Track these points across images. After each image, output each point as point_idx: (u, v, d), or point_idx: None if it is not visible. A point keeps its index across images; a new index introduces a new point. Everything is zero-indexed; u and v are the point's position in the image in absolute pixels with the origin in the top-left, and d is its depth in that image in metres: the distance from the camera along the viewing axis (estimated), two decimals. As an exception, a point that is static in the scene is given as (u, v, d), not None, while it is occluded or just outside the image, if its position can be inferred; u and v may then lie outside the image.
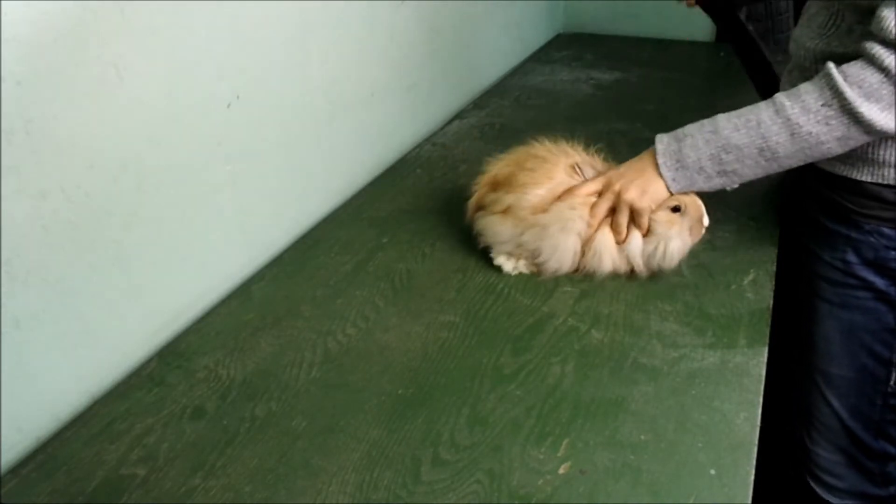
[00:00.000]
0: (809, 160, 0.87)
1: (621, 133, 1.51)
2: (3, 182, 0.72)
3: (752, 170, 0.89)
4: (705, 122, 0.91)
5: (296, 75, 1.13)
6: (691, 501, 0.69)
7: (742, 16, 1.21)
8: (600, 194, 0.96)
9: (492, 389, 0.83)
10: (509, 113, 1.69)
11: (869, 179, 0.91)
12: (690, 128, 0.92)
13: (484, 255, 1.09)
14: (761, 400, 0.81)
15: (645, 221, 0.94)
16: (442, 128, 1.61)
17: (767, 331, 0.91)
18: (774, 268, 1.03)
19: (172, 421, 0.81)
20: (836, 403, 1.05)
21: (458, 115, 1.68)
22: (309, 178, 1.22)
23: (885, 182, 0.90)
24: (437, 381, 0.85)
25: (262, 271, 1.09)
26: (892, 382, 1.00)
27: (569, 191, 0.96)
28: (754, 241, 1.07)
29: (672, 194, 0.93)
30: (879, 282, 0.96)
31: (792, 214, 1.08)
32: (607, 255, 0.97)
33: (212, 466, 0.75)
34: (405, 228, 1.18)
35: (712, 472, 0.71)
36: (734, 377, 0.84)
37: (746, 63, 1.21)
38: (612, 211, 0.95)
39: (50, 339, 0.81)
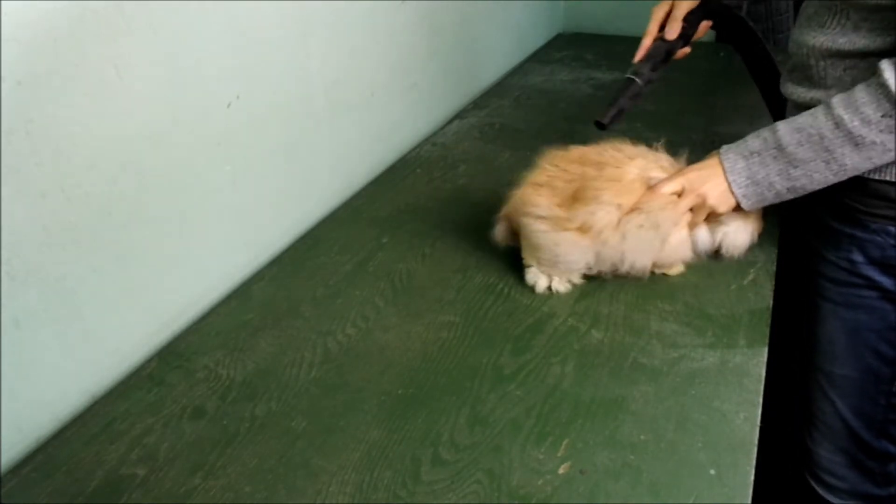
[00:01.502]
0: (880, 164, 0.86)
1: (621, 133, 1.51)
2: (3, 182, 0.72)
3: (820, 183, 0.88)
4: (766, 136, 0.90)
5: (296, 75, 1.13)
6: (691, 501, 0.69)
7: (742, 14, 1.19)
8: (678, 194, 0.95)
9: (492, 389, 0.83)
10: (509, 113, 1.69)
11: (875, 177, 0.91)
12: (753, 143, 0.91)
13: (484, 255, 1.09)
14: (761, 400, 0.81)
15: (716, 220, 0.96)
16: (442, 128, 1.61)
17: (767, 331, 0.91)
18: (774, 268, 1.03)
19: (172, 421, 0.81)
20: (839, 403, 1.05)
21: (458, 115, 1.68)
22: (309, 178, 1.22)
23: (891, 180, 0.90)
24: (437, 381, 0.85)
25: (262, 271, 1.09)
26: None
27: (651, 190, 0.95)
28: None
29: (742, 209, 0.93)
30: (886, 281, 0.96)
31: (794, 214, 1.08)
32: (683, 250, 0.97)
33: (212, 466, 0.75)
34: (405, 228, 1.18)
35: (712, 471, 0.71)
36: (734, 377, 0.84)
37: (748, 60, 1.20)
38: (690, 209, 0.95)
39: (50, 339, 0.81)
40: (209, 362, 0.90)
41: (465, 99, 1.77)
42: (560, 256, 0.97)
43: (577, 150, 1.01)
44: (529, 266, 1.02)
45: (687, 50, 1.11)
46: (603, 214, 0.93)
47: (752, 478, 0.71)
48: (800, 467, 1.13)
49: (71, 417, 0.84)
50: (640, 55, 1.07)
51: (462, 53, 1.72)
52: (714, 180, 0.93)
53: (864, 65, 0.88)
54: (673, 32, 1.06)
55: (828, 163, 0.86)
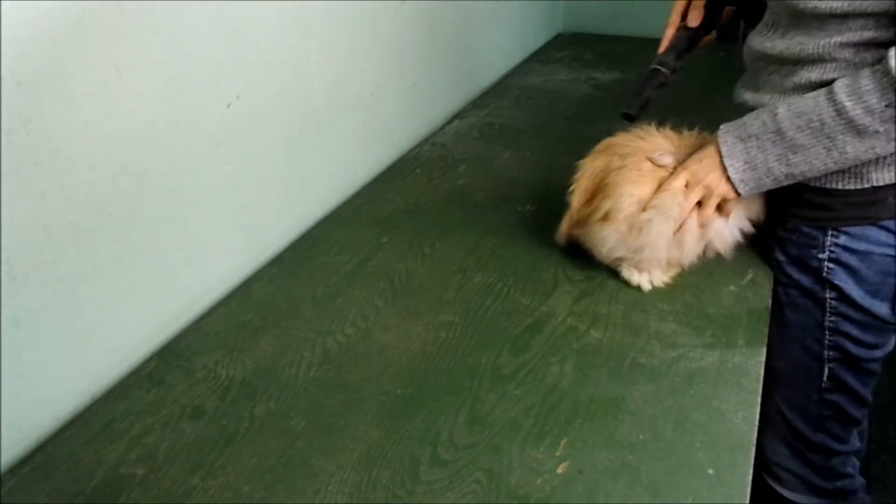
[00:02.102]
0: (883, 154, 0.84)
1: (621, 133, 1.51)
2: (3, 182, 0.72)
3: (820, 171, 0.86)
4: (766, 118, 0.87)
5: (296, 75, 1.14)
6: (690, 501, 0.69)
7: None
8: (687, 185, 0.94)
9: (491, 389, 0.83)
10: (509, 113, 1.69)
11: None
12: (752, 125, 0.88)
13: (483, 255, 1.09)
14: (760, 400, 0.81)
15: (731, 207, 0.94)
16: (441, 127, 1.61)
17: (766, 331, 0.92)
18: (773, 268, 1.03)
19: (172, 420, 0.82)
20: (776, 396, 1.05)
21: (458, 115, 1.68)
22: (309, 178, 1.22)
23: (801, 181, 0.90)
24: (436, 380, 0.85)
25: (262, 271, 1.10)
26: (825, 378, 1.00)
27: (660, 188, 0.95)
28: (754, 241, 1.07)
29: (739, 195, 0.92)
30: (804, 279, 0.97)
31: None
32: (696, 243, 0.97)
33: (211, 466, 0.75)
34: (404, 228, 1.19)
35: (711, 471, 0.72)
36: (733, 377, 0.84)
37: None
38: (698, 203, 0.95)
39: (50, 339, 0.81)
40: (209, 362, 0.90)
41: (465, 99, 1.77)
42: (595, 248, 0.99)
43: (605, 142, 1.02)
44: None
45: (711, 37, 1.10)
46: (624, 205, 0.94)
47: (751, 477, 0.71)
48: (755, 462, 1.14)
49: (71, 417, 0.84)
50: (663, 45, 1.07)
51: (462, 53, 1.72)
52: (718, 170, 0.91)
53: (783, 70, 0.89)
54: (695, 20, 1.06)
55: (829, 150, 0.83)
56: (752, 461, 0.73)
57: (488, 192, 1.29)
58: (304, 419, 0.81)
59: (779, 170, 0.87)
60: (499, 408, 0.81)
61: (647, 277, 1.00)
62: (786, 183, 0.89)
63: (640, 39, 2.26)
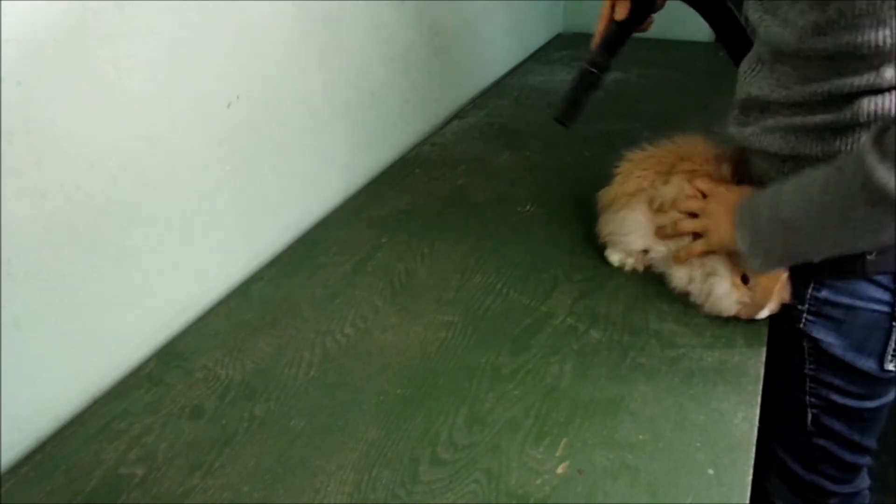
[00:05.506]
0: None
1: (620, 133, 1.51)
2: (3, 182, 0.72)
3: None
4: (782, 221, 0.75)
5: (296, 75, 1.14)
6: (689, 501, 0.69)
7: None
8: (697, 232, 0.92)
9: (490, 389, 0.83)
10: (508, 113, 1.69)
11: None
12: (769, 235, 0.78)
13: (483, 255, 1.09)
14: (759, 400, 0.81)
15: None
16: (441, 128, 1.61)
17: (766, 331, 0.91)
18: (773, 268, 1.03)
19: (171, 420, 0.82)
20: (770, 433, 1.02)
21: (458, 115, 1.68)
22: (308, 178, 1.22)
23: None
24: (436, 380, 0.85)
25: (262, 271, 1.10)
26: (809, 423, 0.97)
27: (673, 227, 0.94)
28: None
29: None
30: (784, 324, 0.94)
31: None
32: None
33: (210, 466, 0.75)
34: (404, 228, 1.19)
35: (710, 471, 0.72)
36: (732, 377, 0.84)
37: (712, 21, 1.12)
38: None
39: (50, 339, 0.81)
40: (208, 362, 0.91)
41: (465, 99, 1.77)
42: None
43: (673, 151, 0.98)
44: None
45: (649, 22, 1.03)
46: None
47: (750, 477, 0.71)
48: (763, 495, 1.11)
49: (70, 417, 0.84)
50: (596, 40, 1.02)
51: (462, 53, 1.72)
52: (727, 240, 0.85)
53: (769, 111, 0.85)
54: (622, 13, 0.99)
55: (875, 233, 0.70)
56: (751, 461, 0.73)
57: (488, 192, 1.30)
58: (304, 419, 0.81)
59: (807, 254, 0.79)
60: (498, 408, 0.81)
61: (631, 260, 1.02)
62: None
63: (639, 39, 2.26)
